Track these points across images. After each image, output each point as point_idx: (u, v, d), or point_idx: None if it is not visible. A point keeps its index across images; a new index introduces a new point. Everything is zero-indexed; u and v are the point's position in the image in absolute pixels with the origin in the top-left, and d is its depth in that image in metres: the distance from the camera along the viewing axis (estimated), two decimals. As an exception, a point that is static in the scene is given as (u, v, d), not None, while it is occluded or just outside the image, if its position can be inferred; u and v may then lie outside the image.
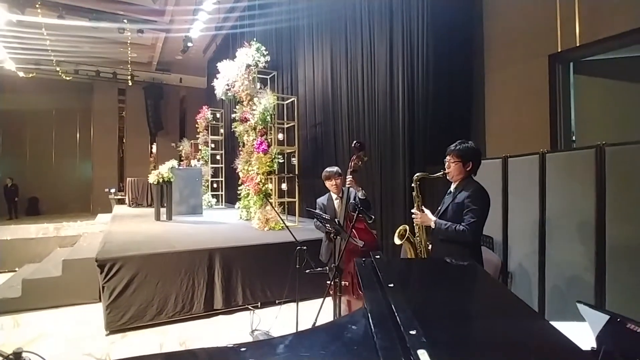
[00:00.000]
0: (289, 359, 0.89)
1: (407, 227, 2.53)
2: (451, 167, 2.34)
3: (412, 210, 2.46)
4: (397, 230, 2.60)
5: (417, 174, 2.49)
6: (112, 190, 12.93)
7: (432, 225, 2.34)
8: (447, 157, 2.37)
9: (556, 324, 1.08)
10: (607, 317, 1.14)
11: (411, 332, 0.80)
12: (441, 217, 2.36)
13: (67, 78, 12.48)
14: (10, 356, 0.96)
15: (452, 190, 2.41)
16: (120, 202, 12.16)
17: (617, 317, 1.12)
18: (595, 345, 1.15)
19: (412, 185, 2.47)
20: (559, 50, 3.42)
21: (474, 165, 2.34)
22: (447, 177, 2.41)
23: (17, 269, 5.64)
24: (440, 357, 0.72)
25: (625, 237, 2.24)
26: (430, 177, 2.49)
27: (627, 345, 1.08)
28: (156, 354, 1.05)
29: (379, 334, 0.86)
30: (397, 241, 2.56)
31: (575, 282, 2.51)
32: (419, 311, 0.93)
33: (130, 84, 13.33)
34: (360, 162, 2.96)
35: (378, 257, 1.31)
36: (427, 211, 2.42)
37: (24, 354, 0.97)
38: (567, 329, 1.16)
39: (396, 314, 0.89)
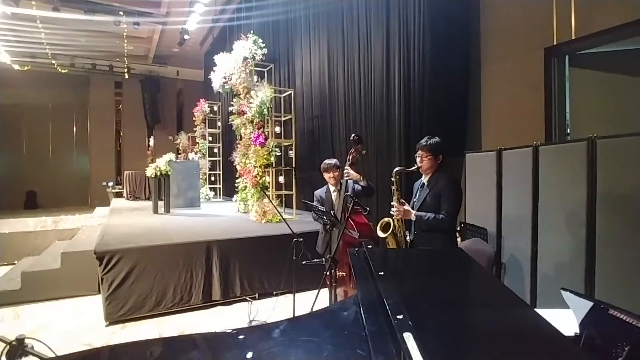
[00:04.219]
0: (283, 343, 0.93)
1: (391, 221, 2.63)
2: (424, 161, 2.54)
3: (393, 204, 2.57)
4: (380, 223, 2.71)
5: (396, 169, 2.62)
6: (110, 184, 12.92)
7: (413, 218, 2.51)
8: (419, 152, 2.56)
9: (542, 311, 1.12)
10: (590, 303, 1.18)
11: (398, 316, 0.83)
12: (420, 208, 2.55)
13: (63, 71, 12.38)
14: (14, 342, 0.99)
15: (425, 183, 2.60)
16: (118, 195, 12.17)
17: (600, 303, 1.16)
18: (578, 331, 1.19)
19: (392, 179, 2.59)
20: (555, 43, 3.43)
21: (443, 158, 2.56)
22: (420, 171, 2.60)
23: (15, 262, 5.68)
24: (425, 340, 0.76)
25: (614, 227, 2.29)
26: (407, 171, 2.65)
27: (609, 331, 1.11)
28: (154, 339, 1.08)
29: (368, 319, 0.90)
30: (380, 234, 2.65)
31: (566, 271, 2.56)
32: (407, 298, 0.97)
33: (126, 77, 13.24)
34: (358, 155, 3.00)
35: (370, 246, 1.35)
36: (406, 205, 2.57)
37: (26, 341, 1.00)
38: (553, 316, 1.20)
39: (385, 301, 0.92)
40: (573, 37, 3.29)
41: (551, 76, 3.51)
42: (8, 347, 0.97)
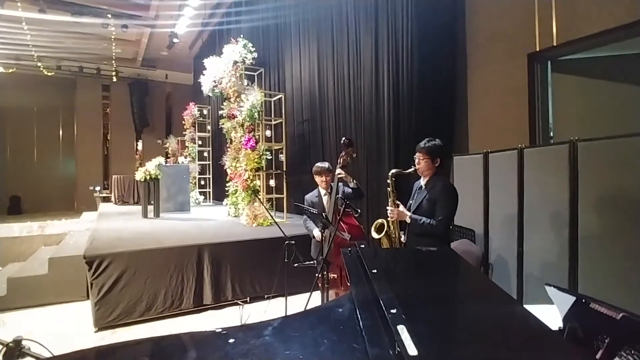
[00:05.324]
0: (279, 339, 0.95)
1: (385, 222, 2.63)
2: (421, 163, 2.50)
3: (388, 208, 2.56)
4: (374, 224, 2.70)
5: (392, 171, 2.61)
6: (97, 188, 12.72)
7: (408, 220, 2.48)
8: (417, 154, 2.53)
9: (530, 307, 1.17)
10: (573, 298, 1.23)
11: (392, 310, 0.87)
12: (415, 212, 2.51)
13: (49, 74, 12.19)
14: (10, 344, 0.99)
15: (422, 186, 2.56)
16: (106, 200, 11.98)
17: (582, 297, 1.22)
18: (562, 325, 1.24)
19: (388, 181, 2.57)
20: (538, 49, 3.54)
21: (441, 162, 2.51)
22: (418, 173, 2.56)
23: (0, 268, 5.56)
24: (418, 332, 0.79)
25: (595, 226, 2.38)
26: (404, 174, 2.60)
27: (591, 324, 1.17)
28: (143, 339, 1.08)
29: (363, 314, 0.93)
30: (375, 235, 2.66)
31: (551, 269, 2.65)
32: (400, 293, 1.00)
33: (114, 80, 13.10)
34: (349, 158, 3.04)
35: (363, 246, 1.39)
36: (401, 206, 2.56)
37: (23, 342, 1.01)
38: (538, 311, 1.26)
39: (378, 297, 0.96)
40: (555, 44, 3.41)
41: (534, 81, 3.63)
42: (5, 348, 0.98)
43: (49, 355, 1.03)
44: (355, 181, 3.11)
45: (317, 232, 3.05)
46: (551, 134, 3.63)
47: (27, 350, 1.02)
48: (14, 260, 5.65)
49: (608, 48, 3.33)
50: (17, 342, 1.00)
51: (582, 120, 3.68)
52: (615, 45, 3.23)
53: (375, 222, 2.71)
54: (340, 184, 3.10)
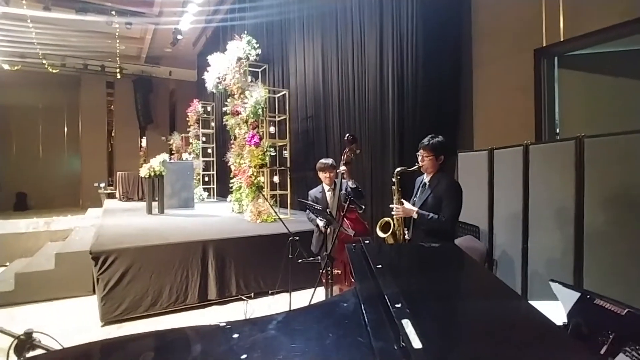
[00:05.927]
0: (284, 332, 0.96)
1: (390, 220, 2.62)
2: (425, 161, 2.48)
3: (393, 206, 2.55)
4: (379, 223, 2.69)
5: (397, 169, 2.59)
6: (102, 185, 12.80)
7: (415, 215, 2.46)
8: (420, 151, 2.50)
9: (534, 303, 1.17)
10: (578, 294, 1.24)
11: (397, 305, 0.88)
12: (420, 209, 2.48)
13: (54, 71, 12.26)
14: (22, 336, 1.01)
15: (426, 183, 2.54)
16: (110, 196, 12.06)
17: (586, 294, 1.22)
18: (566, 321, 1.24)
19: (393, 179, 2.56)
20: (544, 44, 3.51)
21: (445, 159, 2.49)
22: (421, 170, 2.54)
23: (7, 264, 5.62)
24: (422, 326, 0.80)
25: (601, 223, 2.36)
26: (408, 171, 2.58)
27: (595, 320, 1.17)
28: (146, 332, 1.08)
29: (367, 309, 0.94)
30: (381, 234, 2.65)
31: (556, 266, 2.64)
32: (405, 288, 1.01)
33: (118, 77, 13.14)
34: (353, 155, 3.04)
35: (367, 242, 1.39)
36: (406, 203, 2.54)
37: (34, 334, 1.03)
38: (543, 307, 1.26)
39: (383, 291, 0.96)
40: (562, 39, 3.37)
41: (541, 77, 3.59)
42: (17, 341, 1.00)
43: (58, 347, 1.05)
44: (353, 180, 3.11)
45: (321, 222, 3.06)
46: (557, 130, 3.61)
47: (38, 342, 1.04)
48: (21, 256, 5.71)
49: (616, 43, 3.29)
50: (28, 334, 1.02)
51: (589, 116, 3.65)
52: (623, 41, 3.20)
53: (381, 221, 2.70)
54: (343, 180, 3.10)
